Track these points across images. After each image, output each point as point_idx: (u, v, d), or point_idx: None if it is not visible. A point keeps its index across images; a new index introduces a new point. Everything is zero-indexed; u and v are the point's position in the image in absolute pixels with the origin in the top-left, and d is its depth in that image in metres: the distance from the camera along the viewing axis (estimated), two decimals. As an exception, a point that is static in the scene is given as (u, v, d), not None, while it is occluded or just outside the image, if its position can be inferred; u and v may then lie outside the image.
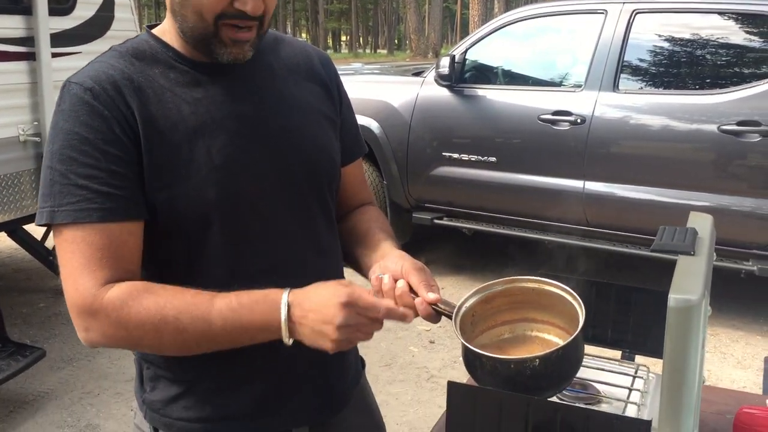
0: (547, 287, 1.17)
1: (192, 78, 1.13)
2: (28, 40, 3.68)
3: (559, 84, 4.65)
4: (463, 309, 1.15)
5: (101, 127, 1.04)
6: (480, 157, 4.67)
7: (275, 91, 1.20)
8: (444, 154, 4.78)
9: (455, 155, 4.74)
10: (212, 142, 1.10)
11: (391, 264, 1.17)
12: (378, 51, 50.94)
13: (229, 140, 1.11)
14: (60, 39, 3.85)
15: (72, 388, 3.48)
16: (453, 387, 1.06)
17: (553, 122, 4.40)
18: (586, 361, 1.52)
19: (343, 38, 60.08)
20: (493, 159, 4.63)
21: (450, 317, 1.12)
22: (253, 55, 1.16)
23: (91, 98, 1.05)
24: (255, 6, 1.06)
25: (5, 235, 4.37)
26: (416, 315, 1.13)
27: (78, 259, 1.03)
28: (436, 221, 4.91)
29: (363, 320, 1.03)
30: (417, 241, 5.43)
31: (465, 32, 40.79)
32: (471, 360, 1.11)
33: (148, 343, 1.07)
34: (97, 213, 1.03)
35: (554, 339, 1.19)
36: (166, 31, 1.16)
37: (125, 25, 4.34)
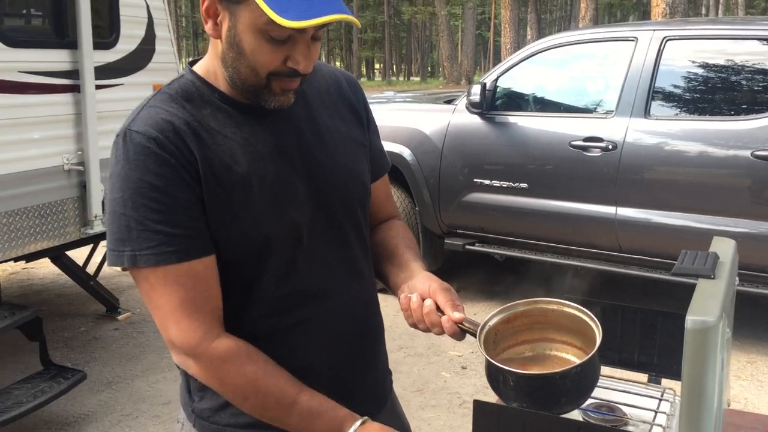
0: (566, 309, 1.23)
1: (238, 118, 1.20)
2: (73, 73, 3.83)
3: (590, 110, 4.67)
4: (487, 327, 1.22)
5: (169, 174, 1.11)
6: (511, 184, 4.70)
7: (310, 121, 1.27)
8: (475, 180, 4.82)
9: (487, 181, 4.78)
10: (262, 180, 1.18)
11: (419, 284, 1.25)
12: (411, 78, 51.31)
13: (275, 176, 1.19)
14: (103, 72, 4.00)
15: (111, 410, 3.56)
16: (479, 405, 1.10)
17: (585, 148, 4.42)
18: (612, 383, 1.54)
19: (377, 66, 60.66)
20: (524, 185, 4.65)
21: (474, 335, 1.20)
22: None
23: (157, 147, 1.11)
24: (306, 66, 1.14)
25: (48, 260, 4.51)
26: (442, 332, 1.21)
27: (173, 301, 1.13)
28: (467, 247, 4.94)
29: None
30: (449, 267, 5.46)
31: (497, 59, 40.90)
32: (494, 375, 1.17)
33: (232, 401, 1.19)
34: (176, 255, 1.12)
35: (572, 358, 1.25)
36: (211, 72, 1.21)
37: (165, 58, 4.50)
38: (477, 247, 4.94)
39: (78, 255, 4.67)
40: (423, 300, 1.22)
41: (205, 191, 1.14)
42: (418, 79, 48.06)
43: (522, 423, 1.08)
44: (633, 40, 4.45)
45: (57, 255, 4.28)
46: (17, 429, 3.28)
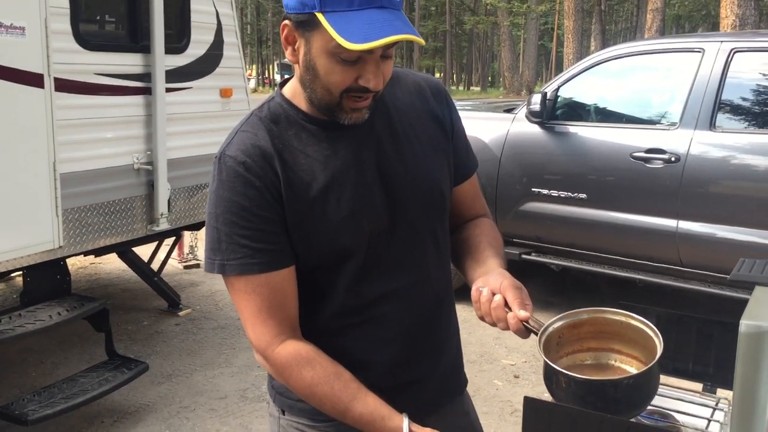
0: (632, 321, 1.24)
1: (320, 137, 1.29)
2: (145, 77, 3.99)
3: (653, 122, 4.61)
4: (550, 329, 1.24)
5: (254, 196, 1.24)
6: (570, 194, 4.66)
7: (392, 132, 1.34)
8: (533, 189, 4.80)
9: (545, 191, 4.76)
10: (339, 195, 1.27)
11: (492, 280, 1.28)
12: (471, 88, 51.14)
13: (354, 190, 1.28)
14: (173, 75, 4.15)
15: (170, 402, 3.68)
16: (529, 402, 1.12)
17: (647, 160, 4.36)
18: (666, 391, 1.54)
19: (437, 75, 60.74)
20: (583, 196, 4.62)
21: (537, 334, 1.22)
22: (373, 101, 1.30)
23: (245, 171, 1.24)
24: (376, 83, 1.20)
25: (115, 256, 4.68)
26: (506, 328, 1.25)
27: (251, 307, 1.27)
28: (524, 256, 4.92)
29: None
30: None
31: (559, 70, 40.37)
32: (549, 375, 1.19)
33: (297, 394, 1.32)
34: (257, 267, 1.25)
35: (632, 371, 1.25)
36: (296, 93, 1.31)
37: (232, 63, 4.63)
38: (533, 257, 4.92)
39: (144, 252, 4.83)
40: (493, 295, 1.26)
41: (286, 209, 1.25)
42: (478, 88, 47.86)
43: (572, 420, 1.09)
44: (699, 52, 4.38)
45: (124, 251, 4.44)
46: (82, 415, 3.42)
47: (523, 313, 1.22)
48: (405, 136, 1.35)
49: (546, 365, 1.19)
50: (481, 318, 1.29)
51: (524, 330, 1.23)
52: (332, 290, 1.31)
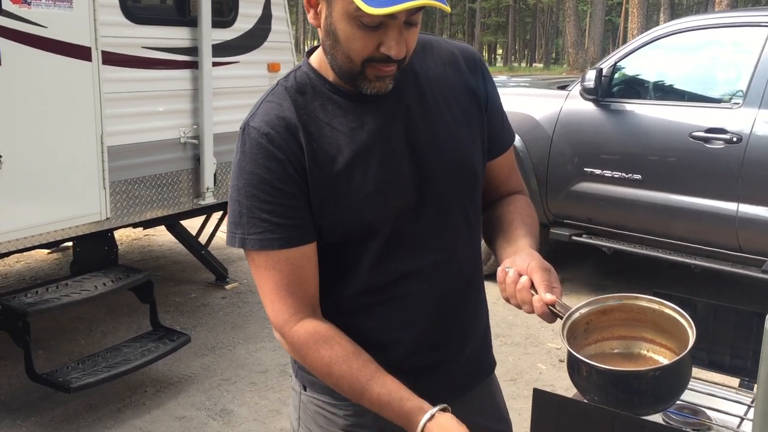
0: (666, 310, 1.16)
1: (347, 108, 1.24)
2: (192, 50, 4.00)
3: (715, 100, 4.39)
4: (576, 315, 1.17)
5: (277, 168, 1.20)
6: (624, 174, 4.50)
7: (422, 104, 1.28)
8: (586, 169, 4.65)
9: (597, 171, 4.60)
10: (365, 169, 1.22)
11: (519, 260, 1.23)
12: (534, 65, 50.17)
13: (380, 163, 1.23)
14: (220, 49, 4.15)
15: (212, 374, 3.72)
16: (538, 394, 1.06)
17: (706, 140, 4.16)
18: (699, 386, 1.45)
19: (499, 51, 59.72)
20: (638, 176, 4.45)
21: (562, 319, 1.16)
22: (404, 69, 1.24)
23: (267, 142, 1.20)
24: (399, 51, 1.14)
25: (164, 228, 4.76)
26: (531, 311, 1.18)
27: (270, 283, 1.24)
28: (574, 238, 4.79)
29: None
30: (554, 258, 5.29)
31: (626, 46, 39.20)
32: (571, 363, 1.13)
33: (314, 373, 1.28)
34: (278, 242, 1.21)
35: (664, 362, 1.17)
36: (323, 62, 1.26)
37: (281, 37, 4.61)
38: (584, 239, 4.78)
39: (191, 225, 4.89)
40: (520, 276, 1.20)
41: (310, 183, 1.21)
42: (541, 65, 46.93)
43: (583, 416, 1.03)
44: (766, 26, 4.14)
45: (172, 223, 4.50)
46: (124, 384, 3.49)
47: (549, 296, 1.16)
48: (436, 108, 1.29)
49: (569, 353, 1.12)
50: (506, 299, 1.23)
51: (549, 314, 1.17)
52: (355, 267, 1.27)
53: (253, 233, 1.21)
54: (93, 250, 3.76)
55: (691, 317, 1.15)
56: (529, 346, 4.16)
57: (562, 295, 1.19)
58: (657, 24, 22.31)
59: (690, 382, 1.38)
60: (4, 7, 3.04)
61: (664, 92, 4.65)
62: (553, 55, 53.18)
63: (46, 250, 5.36)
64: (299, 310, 1.24)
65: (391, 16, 1.12)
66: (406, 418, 1.18)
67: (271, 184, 1.20)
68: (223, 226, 5.65)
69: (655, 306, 1.17)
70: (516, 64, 48.79)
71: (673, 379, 1.10)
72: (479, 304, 1.42)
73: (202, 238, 5.03)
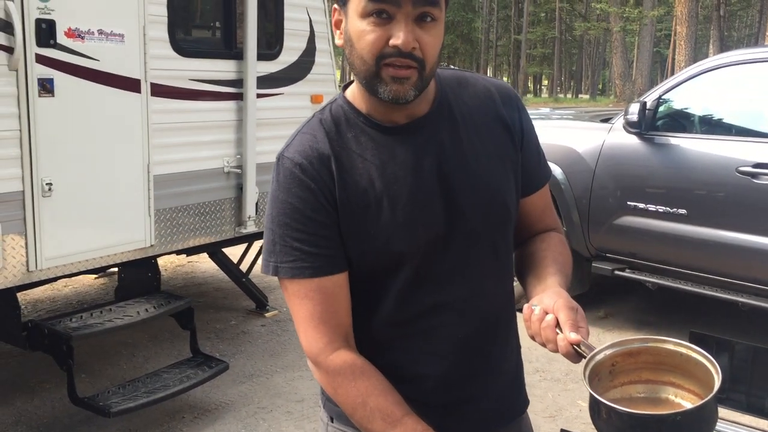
0: (694, 355, 1.13)
1: (379, 140, 1.26)
2: (238, 83, 4.09)
3: (762, 135, 4.31)
4: (600, 356, 1.15)
5: (309, 198, 1.22)
6: (669, 209, 4.43)
7: (455, 138, 1.29)
8: (629, 203, 4.59)
9: (641, 205, 4.54)
10: (395, 201, 1.24)
11: (546, 298, 1.22)
12: (580, 96, 49.88)
13: (411, 197, 1.24)
14: (265, 81, 4.24)
15: (249, 402, 3.74)
16: (565, 436, 1.05)
17: (754, 175, 4.08)
18: (736, 429, 1.41)
19: (545, 82, 59.56)
20: (683, 211, 4.37)
21: (586, 358, 1.14)
22: (438, 102, 1.28)
23: (300, 173, 1.23)
24: (406, 40, 1.15)
25: (207, 256, 4.83)
26: (555, 350, 1.17)
27: (303, 311, 1.25)
28: (617, 272, 4.71)
29: None
30: (596, 292, 5.24)
31: (675, 78, 38.67)
32: (591, 405, 1.11)
33: (343, 410, 1.27)
34: (309, 270, 1.23)
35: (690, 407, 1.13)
36: (356, 93, 1.29)
37: (324, 69, 4.69)
38: (627, 273, 4.70)
39: (233, 252, 4.96)
40: (545, 314, 1.19)
41: (341, 213, 1.23)
42: (587, 96, 46.63)
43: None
44: (817, 59, 4.06)
45: (214, 251, 4.57)
46: (163, 410, 3.53)
47: (573, 336, 1.15)
48: (469, 143, 1.29)
49: (590, 394, 1.09)
50: (532, 337, 1.22)
51: (574, 354, 1.15)
52: (382, 299, 1.28)
53: (285, 261, 1.23)
54: (137, 276, 3.84)
55: (729, 358, 1.12)
56: (570, 383, 4.08)
57: (589, 335, 1.18)
58: (706, 57, 22.03)
59: (726, 425, 1.34)
60: (59, 41, 3.17)
61: (710, 126, 4.58)
62: (600, 86, 52.80)
63: (93, 275, 5.48)
64: (334, 340, 1.24)
65: (396, 4, 1.15)
66: None
67: (303, 213, 1.22)
68: (265, 255, 5.73)
69: (683, 350, 1.15)
70: (561, 95, 48.56)
71: (696, 424, 1.06)
72: (509, 342, 1.41)
73: (243, 266, 5.10)
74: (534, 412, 3.68)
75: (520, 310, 1.25)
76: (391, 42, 1.16)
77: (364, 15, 1.17)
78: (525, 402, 1.47)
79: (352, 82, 1.31)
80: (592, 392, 1.09)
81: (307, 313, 1.25)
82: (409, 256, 1.25)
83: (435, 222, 1.26)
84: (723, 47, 21.42)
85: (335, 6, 1.24)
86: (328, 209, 1.22)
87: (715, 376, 1.09)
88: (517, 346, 1.44)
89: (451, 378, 1.32)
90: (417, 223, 1.25)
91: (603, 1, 31.12)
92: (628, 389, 1.18)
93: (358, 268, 1.26)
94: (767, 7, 22.08)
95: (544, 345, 1.20)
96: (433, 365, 1.31)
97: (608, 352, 1.16)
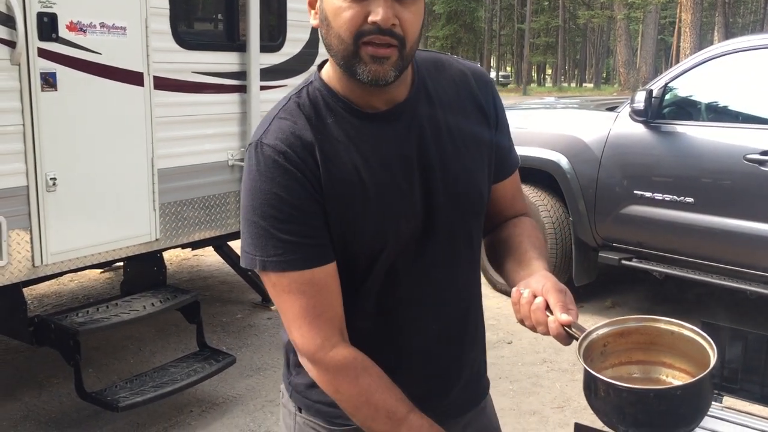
0: (686, 332, 1.13)
1: (361, 128, 1.21)
2: (241, 75, 4.07)
3: (770, 122, 4.27)
4: (593, 336, 1.15)
5: (295, 187, 1.16)
6: (676, 197, 4.40)
7: (436, 126, 1.26)
8: (636, 192, 4.56)
9: (648, 194, 4.51)
10: (379, 191, 1.20)
11: (534, 282, 1.21)
12: (584, 84, 49.67)
13: (393, 186, 1.22)
14: (268, 73, 4.22)
15: (257, 395, 3.74)
16: (579, 429, 1.03)
17: (762, 162, 4.05)
18: (750, 421, 1.39)
19: (548, 71, 59.29)
20: (690, 200, 4.34)
21: (578, 340, 1.14)
22: (415, 88, 1.25)
23: (285, 161, 1.16)
24: (385, 16, 1.11)
25: (212, 249, 4.82)
26: (546, 333, 1.17)
27: (296, 308, 1.19)
28: (624, 262, 4.69)
29: None
30: (603, 282, 5.21)
31: (679, 65, 38.49)
32: (587, 383, 1.11)
33: (344, 409, 1.23)
34: (300, 262, 1.17)
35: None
36: (332, 75, 1.22)
37: (327, 61, 4.65)
38: (634, 263, 4.67)
39: (239, 245, 4.95)
40: (534, 297, 1.18)
41: (326, 202, 1.18)
42: (591, 85, 46.43)
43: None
44: (825, 45, 4.01)
45: (219, 244, 4.56)
46: (171, 404, 3.53)
47: (564, 317, 1.14)
48: (447, 131, 1.27)
49: (585, 372, 1.10)
50: (521, 321, 1.21)
51: (565, 335, 1.15)
52: (360, 290, 1.25)
53: (273, 255, 1.17)
54: (143, 270, 3.83)
55: (743, 349, 1.11)
56: (577, 373, 4.07)
57: (578, 317, 1.17)
58: (711, 44, 21.89)
59: (738, 417, 1.32)
60: (60, 34, 3.15)
61: (717, 114, 4.54)
62: (604, 75, 52.57)
63: (99, 270, 5.48)
64: (331, 335, 1.20)
65: None
66: None
67: (290, 203, 1.16)
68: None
69: (674, 328, 1.15)
70: (566, 84, 48.38)
71: (695, 399, 1.06)
72: (478, 328, 1.41)
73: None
74: (542, 403, 3.68)
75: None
76: (370, 18, 1.11)
77: None
78: (487, 383, 1.49)
79: (326, 61, 1.26)
80: (588, 369, 1.08)
81: (301, 309, 1.19)
82: (389, 249, 1.22)
83: (416, 214, 1.24)
84: (728, 34, 21.26)
85: None
86: (315, 197, 1.17)
87: (710, 351, 1.09)
88: (484, 330, 1.45)
89: (426, 370, 1.32)
90: (400, 215, 1.22)
91: (608, -12, 30.95)
92: (620, 370, 1.18)
93: (340, 258, 1.22)
94: (772, -7, 21.92)
95: (533, 329, 1.19)
96: (407, 358, 1.30)
97: (600, 332, 1.16)
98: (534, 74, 51.22)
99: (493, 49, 51.89)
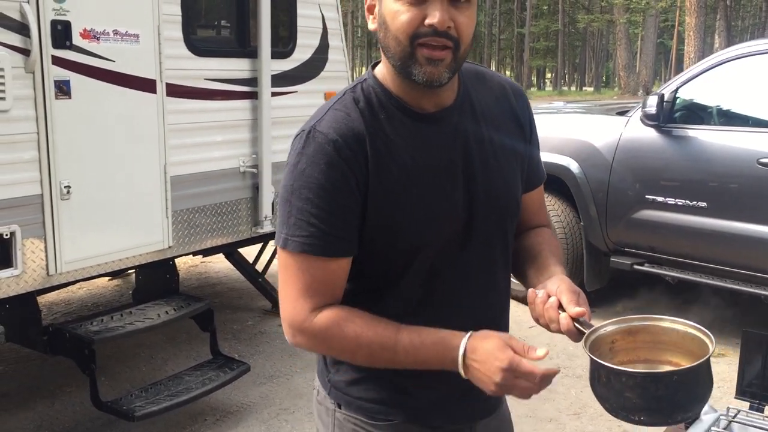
0: (690, 330, 1.19)
1: (410, 127, 1.26)
2: (252, 81, 4.06)
3: (784, 125, 4.26)
4: (600, 332, 1.21)
5: (338, 179, 1.20)
6: (688, 202, 4.39)
7: (477, 134, 1.31)
8: (647, 197, 4.55)
9: (660, 198, 4.50)
10: (422, 191, 1.25)
11: (550, 284, 1.28)
12: (584, 88, 49.70)
13: (436, 188, 1.26)
14: (279, 80, 4.20)
15: (271, 403, 3.72)
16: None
17: (775, 166, 4.04)
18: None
19: (548, 75, 59.38)
20: (703, 204, 4.33)
21: (584, 335, 1.19)
22: (461, 94, 1.29)
23: (334, 151, 1.20)
24: (441, 19, 1.16)
25: (222, 256, 4.80)
26: (559, 330, 1.22)
27: (299, 284, 1.24)
28: (636, 267, 4.67)
29: (520, 383, 1.16)
30: (615, 287, 5.19)
31: (680, 69, 38.57)
32: (592, 371, 1.17)
33: (343, 358, 1.31)
34: (319, 249, 1.22)
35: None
36: (386, 75, 1.28)
37: (337, 66, 4.65)
38: (646, 268, 4.66)
39: (249, 252, 4.93)
40: (549, 297, 1.24)
41: (370, 198, 1.22)
42: (591, 89, 46.49)
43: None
44: (838, 48, 4.00)
45: (230, 251, 4.55)
46: (185, 412, 3.51)
47: (574, 309, 1.20)
48: (489, 139, 1.32)
49: (591, 361, 1.16)
50: (536, 320, 1.26)
51: (576, 332, 1.20)
52: (397, 291, 1.29)
53: (297, 235, 1.21)
54: (155, 278, 3.81)
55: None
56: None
57: (591, 318, 1.22)
58: (712, 47, 21.91)
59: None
60: (74, 42, 3.14)
61: (730, 118, 4.53)
62: (604, 78, 52.61)
63: (107, 277, 5.46)
64: (319, 305, 1.24)
65: None
66: (444, 344, 1.20)
67: (329, 192, 1.20)
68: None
69: (679, 327, 1.21)
70: (566, 88, 48.41)
71: (692, 385, 1.11)
72: (507, 330, 1.44)
73: (259, 266, 5.07)
74: (559, 410, 3.65)
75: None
76: (427, 21, 1.16)
77: None
78: None
79: (379, 61, 1.31)
80: (592, 357, 1.14)
81: (304, 286, 1.23)
82: (428, 248, 1.26)
83: (457, 217, 1.28)
84: (729, 37, 21.28)
85: None
86: (355, 194, 1.21)
87: (709, 343, 1.15)
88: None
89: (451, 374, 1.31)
90: (441, 215, 1.26)
91: (608, -8, 31.00)
92: (626, 366, 1.21)
93: (379, 253, 1.25)
94: (774, -4, 21.97)
95: (547, 327, 1.24)
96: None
97: (609, 328, 1.22)
98: (534, 78, 51.29)
99: (492, 54, 51.94)
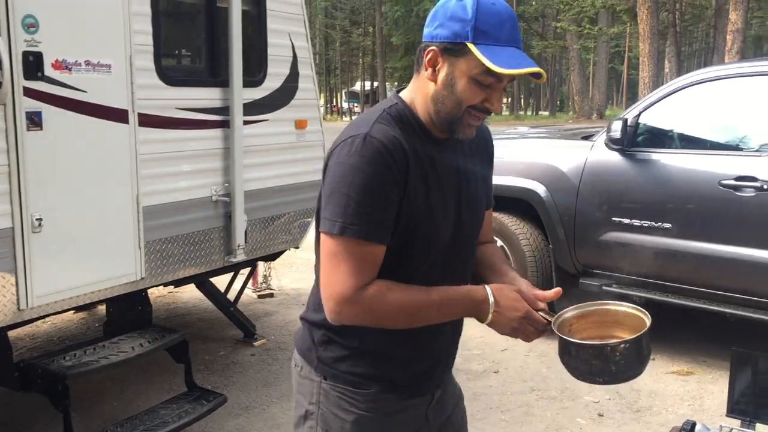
0: (630, 310, 1.57)
1: (431, 149, 1.55)
2: (224, 110, 4.05)
3: (743, 148, 4.40)
4: (563, 317, 1.56)
5: (390, 177, 1.46)
6: (653, 223, 4.49)
7: (467, 162, 1.64)
8: (614, 219, 4.65)
9: (626, 220, 4.59)
10: (434, 201, 1.54)
11: (508, 281, 1.65)
12: (539, 113, 50.56)
13: (442, 200, 1.56)
14: (250, 108, 4.20)
15: (247, 434, 3.66)
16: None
17: (736, 188, 4.16)
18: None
19: (504, 100, 60.29)
20: (667, 225, 4.44)
21: (551, 322, 1.53)
22: None
23: (388, 154, 1.46)
24: (497, 107, 1.49)
25: (192, 285, 4.74)
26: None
27: (350, 263, 1.47)
28: (604, 288, 4.75)
29: (529, 329, 1.53)
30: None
31: (631, 93, 39.58)
32: (562, 348, 1.52)
33: (386, 324, 1.53)
34: (375, 237, 1.47)
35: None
36: (417, 104, 1.56)
37: (307, 95, 4.67)
38: (614, 288, 4.74)
39: (220, 282, 4.88)
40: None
41: (404, 199, 1.48)
42: (546, 113, 47.33)
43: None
44: (792, 74, 4.17)
45: (202, 281, 4.49)
46: (162, 447, 3.43)
47: (551, 292, 1.57)
48: (472, 165, 1.65)
49: (560, 340, 1.50)
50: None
51: (544, 321, 1.55)
52: (402, 275, 1.53)
53: (356, 223, 1.44)
54: (127, 310, 3.75)
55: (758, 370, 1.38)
56: (566, 400, 4.09)
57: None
58: (663, 72, 22.52)
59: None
60: (46, 73, 3.10)
61: (692, 141, 4.66)
62: (558, 103, 53.63)
63: (72, 310, 5.34)
64: (366, 284, 1.48)
65: (499, 78, 1.44)
66: (471, 297, 1.53)
67: (383, 187, 1.45)
68: (250, 283, 5.64)
69: (620, 308, 1.59)
70: (522, 113, 49.18)
71: (638, 353, 1.47)
72: (462, 324, 1.77)
73: (230, 295, 5.02)
74: (536, 432, 3.68)
75: None
76: (486, 105, 1.49)
77: (476, 79, 1.44)
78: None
79: (403, 87, 1.60)
80: (562, 336, 1.49)
81: (356, 266, 1.46)
82: (432, 243, 1.55)
83: (451, 221, 1.58)
84: (679, 62, 21.92)
85: (434, 48, 1.47)
86: (399, 193, 1.47)
87: (645, 318, 1.52)
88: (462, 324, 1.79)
89: (431, 352, 1.67)
90: (444, 219, 1.56)
91: (563, 20, 31.71)
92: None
93: (400, 244, 1.50)
94: (721, 22, 22.74)
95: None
96: (420, 341, 1.61)
97: (568, 314, 1.57)
98: (491, 103, 51.87)
99: (450, 79, 52.49)
